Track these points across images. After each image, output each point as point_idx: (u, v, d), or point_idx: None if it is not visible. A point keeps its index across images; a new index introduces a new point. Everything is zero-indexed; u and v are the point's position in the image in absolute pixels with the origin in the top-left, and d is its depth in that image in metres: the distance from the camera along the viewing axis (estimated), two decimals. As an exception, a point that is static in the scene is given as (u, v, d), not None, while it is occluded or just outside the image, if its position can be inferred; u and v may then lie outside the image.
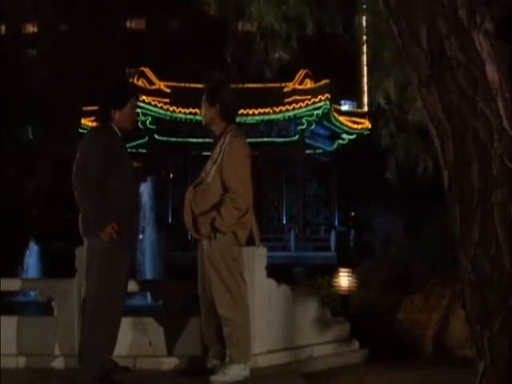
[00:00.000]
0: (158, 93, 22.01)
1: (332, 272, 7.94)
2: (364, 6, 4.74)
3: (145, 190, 14.60)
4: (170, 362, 5.25)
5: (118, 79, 28.89)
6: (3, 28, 52.65)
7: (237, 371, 4.79)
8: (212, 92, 5.04)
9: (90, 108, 22.58)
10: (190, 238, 21.54)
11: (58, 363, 5.21)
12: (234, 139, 4.88)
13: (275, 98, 21.60)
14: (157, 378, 5.03)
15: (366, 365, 5.71)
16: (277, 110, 21.72)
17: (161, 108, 21.67)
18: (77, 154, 4.83)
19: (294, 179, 24.54)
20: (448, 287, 6.12)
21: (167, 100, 21.90)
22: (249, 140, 5.52)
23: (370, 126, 21.31)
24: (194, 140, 21.62)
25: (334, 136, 24.22)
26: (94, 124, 19.47)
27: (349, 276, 7.35)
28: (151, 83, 22.36)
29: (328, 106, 21.45)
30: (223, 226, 4.76)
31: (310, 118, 22.01)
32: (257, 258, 5.25)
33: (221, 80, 5.01)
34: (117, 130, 4.88)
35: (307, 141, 23.24)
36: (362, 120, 23.09)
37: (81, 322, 4.94)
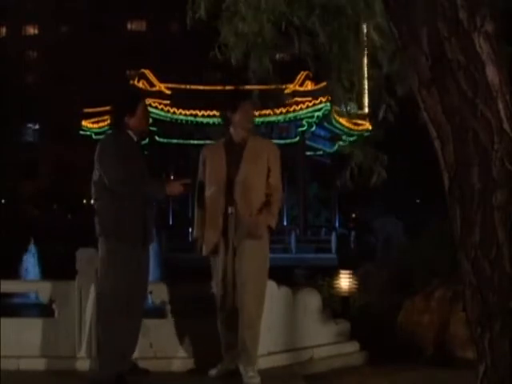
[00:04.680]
0: (159, 94, 22.02)
1: (333, 274, 7.93)
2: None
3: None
4: (171, 364, 5.25)
5: (122, 83, 28.90)
6: (4, 30, 52.70)
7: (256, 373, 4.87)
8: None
9: (90, 110, 22.61)
10: (190, 239, 21.54)
11: (59, 365, 5.20)
12: (268, 141, 5.14)
13: (276, 100, 21.59)
14: (157, 380, 5.03)
15: (367, 366, 5.70)
16: (277, 111, 21.71)
17: (161, 110, 21.67)
18: (96, 164, 4.80)
19: (295, 181, 24.52)
20: (449, 289, 6.12)
21: (167, 102, 21.91)
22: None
23: (370, 128, 21.31)
24: (195, 142, 21.61)
25: (335, 138, 24.20)
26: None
27: (349, 278, 7.33)
28: (152, 85, 22.36)
29: (328, 108, 21.42)
30: (274, 225, 4.88)
31: (310, 120, 21.99)
32: (257, 259, 5.24)
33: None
34: (132, 134, 4.89)
35: (308, 142, 23.22)
36: (363, 122, 23.07)
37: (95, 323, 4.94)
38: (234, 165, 4.89)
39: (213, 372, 4.97)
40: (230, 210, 4.83)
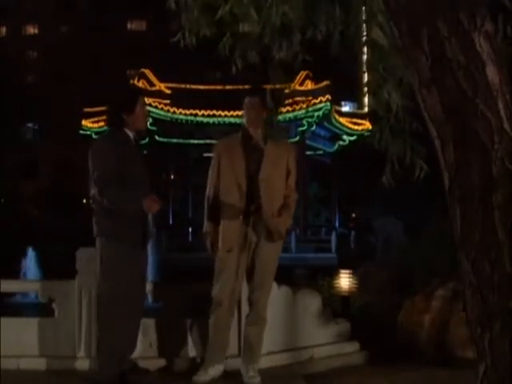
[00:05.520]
0: (159, 94, 22.01)
1: (333, 273, 7.93)
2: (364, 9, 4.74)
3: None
4: (171, 364, 5.24)
5: (122, 83, 28.86)
6: (4, 29, 52.70)
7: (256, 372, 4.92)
8: (264, 96, 5.07)
9: (90, 109, 22.60)
10: (190, 239, 21.53)
11: (59, 365, 5.21)
12: (287, 142, 5.13)
13: (275, 100, 21.55)
14: (157, 379, 5.03)
15: (367, 366, 5.71)
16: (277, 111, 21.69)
17: (161, 109, 21.66)
18: (90, 163, 4.76)
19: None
20: (449, 289, 6.12)
21: (167, 101, 21.90)
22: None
23: (370, 127, 21.28)
24: (195, 141, 21.61)
25: (335, 137, 24.21)
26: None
27: (349, 277, 7.33)
28: (152, 84, 22.35)
29: (328, 108, 21.42)
30: (290, 227, 4.99)
31: (310, 120, 21.98)
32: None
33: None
34: (129, 132, 4.83)
35: (308, 142, 23.20)
36: (363, 121, 23.08)
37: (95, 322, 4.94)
38: (254, 163, 4.86)
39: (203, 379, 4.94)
40: (252, 207, 4.83)
